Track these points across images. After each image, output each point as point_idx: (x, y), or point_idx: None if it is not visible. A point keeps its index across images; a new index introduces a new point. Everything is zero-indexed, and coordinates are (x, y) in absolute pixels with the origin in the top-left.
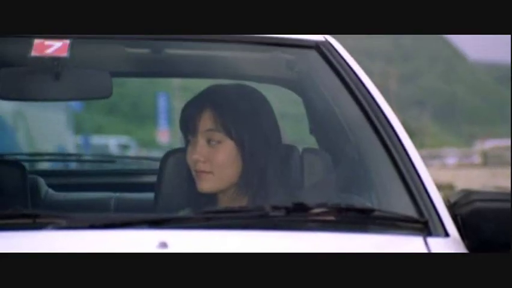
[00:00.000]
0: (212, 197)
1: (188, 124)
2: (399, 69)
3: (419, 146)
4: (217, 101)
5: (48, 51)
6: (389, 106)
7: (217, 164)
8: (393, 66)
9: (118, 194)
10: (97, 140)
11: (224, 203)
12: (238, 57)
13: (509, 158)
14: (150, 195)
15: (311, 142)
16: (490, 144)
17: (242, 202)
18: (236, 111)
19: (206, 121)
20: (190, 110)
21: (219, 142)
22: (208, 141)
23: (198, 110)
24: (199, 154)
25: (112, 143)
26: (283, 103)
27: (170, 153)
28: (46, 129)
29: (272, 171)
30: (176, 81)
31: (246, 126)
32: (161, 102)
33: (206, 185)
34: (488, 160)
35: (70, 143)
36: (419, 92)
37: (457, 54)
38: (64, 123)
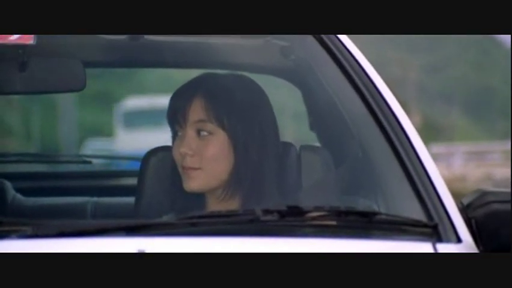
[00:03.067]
0: (200, 198)
1: (176, 115)
2: (425, 57)
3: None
4: (209, 89)
5: (12, 38)
6: (412, 98)
7: (207, 158)
8: (418, 55)
9: (95, 199)
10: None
11: (213, 204)
12: (226, 43)
13: None
14: (132, 199)
15: None
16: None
17: (233, 203)
18: (230, 101)
19: (197, 111)
20: (179, 99)
21: (210, 133)
22: (198, 132)
23: (188, 99)
24: (187, 147)
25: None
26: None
27: (153, 152)
28: None
29: (266, 169)
30: None
31: (241, 117)
32: None
33: (194, 183)
34: None
35: None
36: (447, 83)
37: (491, 40)
38: None
